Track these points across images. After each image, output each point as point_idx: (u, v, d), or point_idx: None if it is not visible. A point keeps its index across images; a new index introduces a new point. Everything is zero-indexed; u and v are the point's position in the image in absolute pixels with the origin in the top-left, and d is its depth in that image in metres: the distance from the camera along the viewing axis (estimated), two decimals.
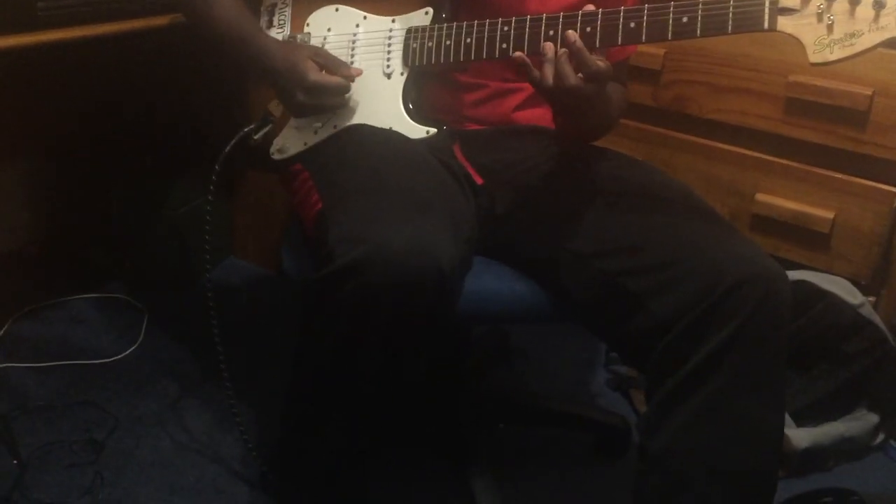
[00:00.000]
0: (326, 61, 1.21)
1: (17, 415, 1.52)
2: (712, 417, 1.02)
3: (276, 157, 1.30)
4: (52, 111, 1.74)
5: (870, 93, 1.49)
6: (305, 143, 1.27)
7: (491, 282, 1.19)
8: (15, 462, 1.41)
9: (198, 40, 1.35)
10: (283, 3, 1.32)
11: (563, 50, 1.03)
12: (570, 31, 1.02)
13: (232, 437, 1.52)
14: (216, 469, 1.46)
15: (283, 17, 1.31)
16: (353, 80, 1.22)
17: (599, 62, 1.03)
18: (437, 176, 1.14)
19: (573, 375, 1.81)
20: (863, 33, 0.90)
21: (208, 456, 1.48)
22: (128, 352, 1.74)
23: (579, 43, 1.02)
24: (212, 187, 1.29)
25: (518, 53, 1.06)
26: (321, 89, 1.20)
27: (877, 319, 1.54)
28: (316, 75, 1.19)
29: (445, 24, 1.17)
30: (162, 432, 1.53)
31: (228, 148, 1.28)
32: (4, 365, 1.65)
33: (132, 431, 1.52)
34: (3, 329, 1.75)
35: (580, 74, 1.03)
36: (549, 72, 1.04)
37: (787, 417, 1.53)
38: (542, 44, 1.05)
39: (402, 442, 1.46)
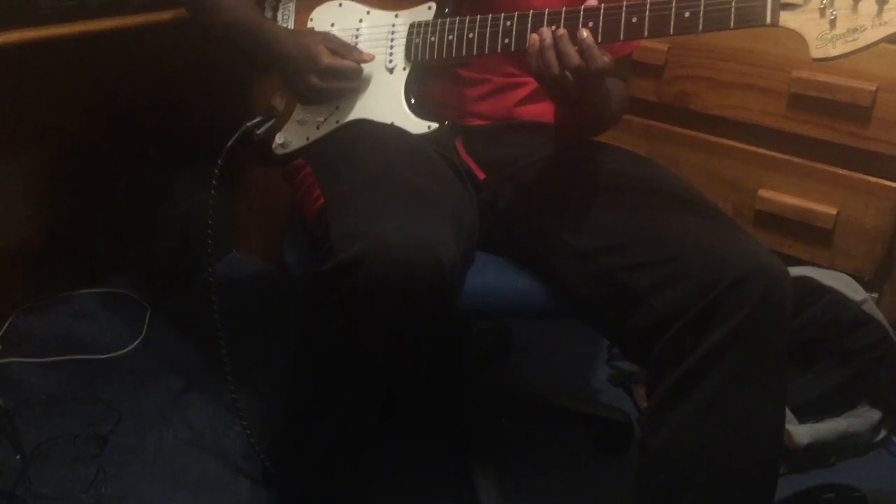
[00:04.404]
0: (338, 46, 1.22)
1: (20, 409, 1.52)
2: (713, 413, 1.02)
3: (279, 151, 1.30)
4: (56, 106, 1.74)
5: (873, 88, 1.48)
6: (308, 138, 1.28)
7: (493, 277, 1.19)
8: (18, 457, 1.41)
9: (203, 31, 1.36)
10: None
11: (562, 31, 1.02)
12: (582, 29, 1.02)
13: (234, 432, 1.52)
14: (219, 464, 1.46)
15: (286, 12, 1.32)
16: (366, 63, 1.22)
17: (605, 56, 1.02)
18: (439, 171, 1.14)
19: (575, 370, 1.81)
20: (866, 28, 0.90)
21: (211, 451, 1.49)
22: (131, 346, 1.74)
23: (590, 39, 1.01)
24: (215, 182, 1.29)
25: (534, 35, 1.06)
26: (335, 72, 1.20)
27: (879, 316, 1.54)
28: (329, 58, 1.20)
29: (448, 19, 1.17)
30: (165, 427, 1.53)
31: (231, 142, 1.28)
32: (8, 360, 1.66)
33: (135, 426, 1.53)
34: (7, 324, 1.76)
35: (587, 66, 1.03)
36: (551, 57, 1.03)
37: (789, 413, 1.53)
38: (541, 29, 1.04)
39: (403, 436, 1.46)
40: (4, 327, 1.75)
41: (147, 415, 1.56)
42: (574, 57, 1.02)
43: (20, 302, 1.81)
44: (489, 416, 1.59)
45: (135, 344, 1.75)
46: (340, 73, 1.21)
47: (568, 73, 1.03)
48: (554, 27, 1.05)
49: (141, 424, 1.53)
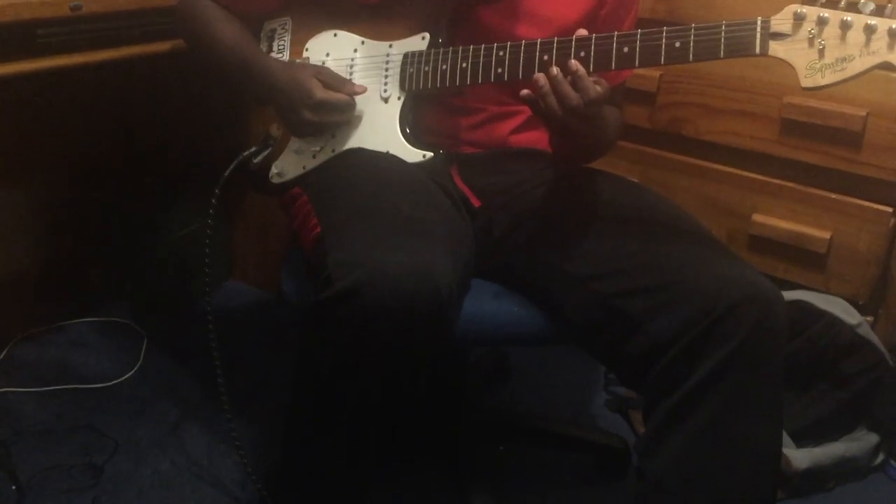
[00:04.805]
0: (330, 79, 1.23)
1: (16, 439, 1.51)
2: (710, 438, 1.03)
3: (276, 180, 1.31)
4: (52, 137, 1.74)
5: (864, 114, 1.50)
6: (304, 167, 1.28)
7: (489, 304, 1.20)
8: (14, 487, 1.40)
9: (199, 64, 1.37)
10: (282, 29, 1.33)
11: (559, 73, 1.04)
12: (572, 61, 1.03)
13: (231, 461, 1.51)
14: (215, 493, 1.45)
15: (282, 43, 1.33)
16: (359, 95, 1.23)
17: (597, 86, 1.04)
18: (435, 199, 1.14)
19: (572, 396, 1.81)
20: (854, 58, 0.91)
21: (207, 480, 1.48)
22: (127, 375, 1.74)
23: (581, 70, 1.03)
24: (212, 210, 1.29)
25: (525, 91, 1.07)
26: (327, 106, 1.21)
27: (875, 339, 1.55)
28: (322, 93, 1.20)
29: (441, 49, 1.18)
30: (161, 456, 1.53)
31: (229, 171, 1.29)
32: (4, 389, 1.65)
33: (131, 455, 1.52)
34: (3, 353, 1.75)
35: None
36: (552, 101, 1.05)
37: (787, 438, 1.53)
38: (535, 74, 1.06)
39: (401, 463, 1.46)
40: (1, 357, 1.74)
41: (143, 444, 1.55)
42: (572, 96, 1.03)
43: (17, 331, 1.81)
44: (487, 443, 1.59)
45: (131, 373, 1.75)
46: (333, 106, 1.22)
47: (566, 110, 1.04)
48: (546, 57, 1.06)
49: (137, 453, 1.53)
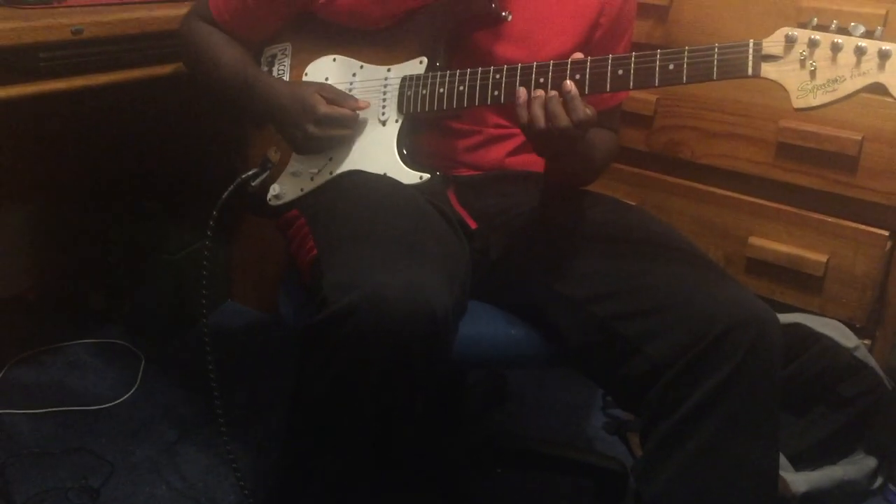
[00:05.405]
0: (333, 94, 1.24)
1: (11, 461, 1.51)
2: (706, 461, 1.02)
3: (273, 203, 1.32)
4: (53, 158, 1.76)
5: (859, 138, 1.51)
6: (302, 189, 1.29)
7: (486, 326, 1.20)
8: None
9: (201, 86, 1.38)
10: (282, 54, 1.35)
11: (553, 93, 1.05)
12: (567, 81, 1.04)
13: (228, 483, 1.51)
14: None
15: (282, 67, 1.34)
16: (361, 111, 1.24)
17: (588, 109, 1.05)
18: (431, 221, 1.15)
19: (570, 418, 1.80)
20: (845, 79, 0.92)
21: (204, 502, 1.47)
22: (125, 397, 1.74)
23: (574, 91, 1.04)
24: (210, 232, 1.30)
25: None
26: (332, 120, 1.22)
27: (872, 362, 1.54)
28: (325, 107, 1.22)
29: (439, 73, 1.19)
30: (158, 478, 1.52)
31: (227, 194, 1.30)
32: (0, 411, 1.65)
33: (128, 478, 1.51)
34: (0, 374, 1.75)
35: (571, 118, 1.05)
36: (540, 114, 1.06)
37: (785, 461, 1.52)
38: (532, 89, 1.07)
39: (398, 486, 1.45)
40: None
41: (140, 466, 1.55)
42: (562, 116, 1.04)
43: (13, 353, 1.81)
44: (484, 466, 1.58)
45: (129, 394, 1.75)
46: (337, 120, 1.23)
47: (553, 128, 1.05)
48: (542, 80, 1.07)
49: (134, 476, 1.52)
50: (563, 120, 1.04)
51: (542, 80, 1.08)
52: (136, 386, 1.77)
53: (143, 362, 1.85)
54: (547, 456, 1.61)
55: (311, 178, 1.28)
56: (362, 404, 1.05)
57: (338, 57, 1.30)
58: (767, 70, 0.96)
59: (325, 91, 1.24)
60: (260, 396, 1.76)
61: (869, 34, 0.91)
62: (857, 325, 1.59)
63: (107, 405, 1.71)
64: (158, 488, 1.50)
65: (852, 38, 0.91)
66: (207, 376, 1.32)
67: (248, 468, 1.52)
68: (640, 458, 1.10)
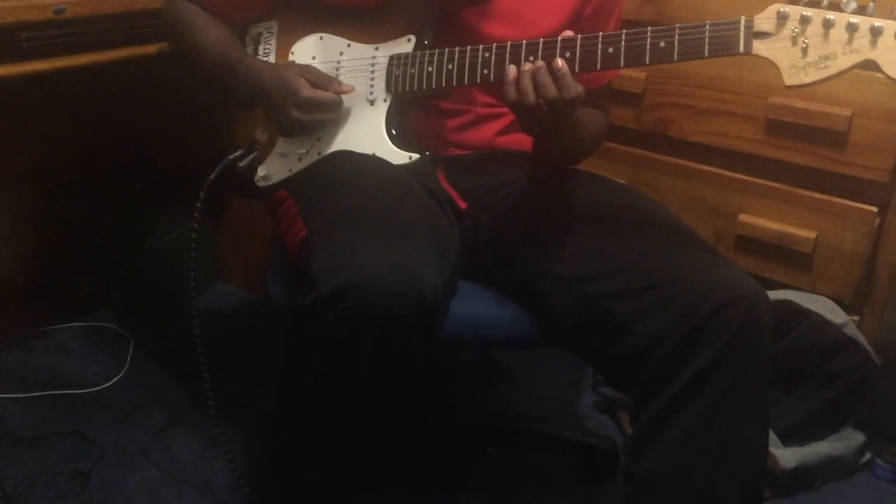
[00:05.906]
0: (317, 78, 1.23)
1: (1, 446, 1.50)
2: (696, 439, 1.03)
3: (261, 184, 1.30)
4: (37, 141, 1.74)
5: (849, 114, 1.50)
6: (290, 170, 1.28)
7: (476, 306, 1.20)
8: None
9: (185, 67, 1.36)
10: (268, 33, 1.33)
11: (541, 63, 1.04)
12: (558, 59, 1.03)
13: (219, 466, 1.51)
14: (203, 498, 1.44)
15: (268, 47, 1.32)
16: (346, 94, 1.23)
17: (578, 86, 1.04)
18: (421, 201, 1.14)
19: (561, 397, 1.81)
20: (837, 56, 0.92)
21: (195, 485, 1.47)
22: (114, 380, 1.73)
23: (565, 68, 1.03)
24: (197, 214, 1.29)
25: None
26: (315, 104, 1.21)
27: (860, 338, 1.55)
28: (309, 91, 1.20)
29: (427, 52, 1.18)
30: (148, 462, 1.52)
31: (214, 175, 1.28)
32: None
33: (118, 461, 1.51)
34: None
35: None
36: (529, 88, 1.05)
37: (775, 437, 1.53)
38: (522, 63, 1.06)
39: (390, 468, 1.45)
40: None
41: (130, 449, 1.54)
42: (551, 88, 1.03)
43: (2, 337, 1.80)
44: (476, 446, 1.59)
45: (118, 378, 1.74)
46: (321, 105, 1.22)
47: (542, 103, 1.04)
48: (532, 58, 1.06)
49: (124, 459, 1.52)
50: (552, 90, 1.03)
51: (531, 58, 1.07)
52: (125, 369, 1.77)
53: (132, 345, 1.84)
54: (538, 435, 1.62)
55: (300, 159, 1.27)
56: (352, 385, 1.05)
57: (325, 35, 1.29)
58: (759, 47, 0.95)
59: (310, 74, 1.23)
60: (250, 378, 1.76)
61: (861, 10, 0.90)
62: (846, 302, 1.59)
63: (96, 389, 1.70)
64: (149, 471, 1.50)
65: (844, 14, 0.90)
66: (197, 359, 1.31)
67: (238, 450, 1.52)
68: (631, 435, 1.10)
